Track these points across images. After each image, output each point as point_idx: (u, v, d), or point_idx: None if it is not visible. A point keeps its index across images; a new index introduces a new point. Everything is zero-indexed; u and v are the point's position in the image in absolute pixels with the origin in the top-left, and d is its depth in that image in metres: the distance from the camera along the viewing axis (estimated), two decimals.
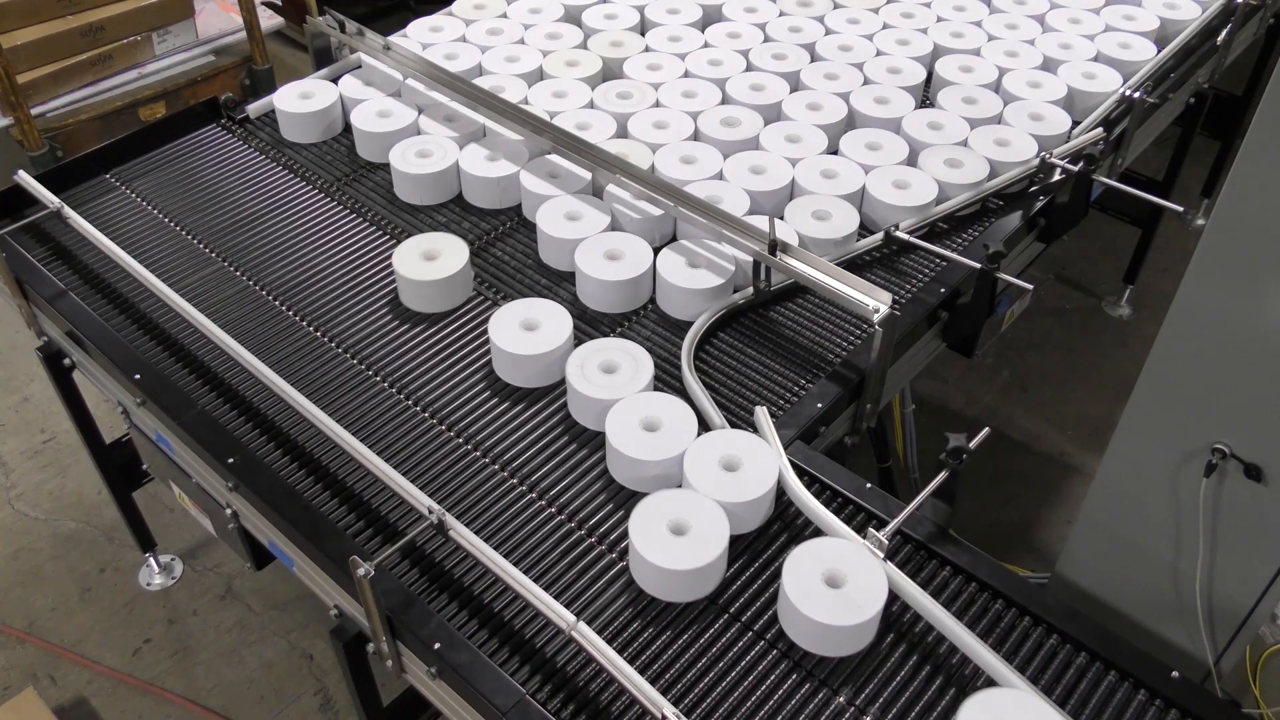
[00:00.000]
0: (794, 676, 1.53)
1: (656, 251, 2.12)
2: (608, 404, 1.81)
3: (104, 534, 3.06)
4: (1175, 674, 1.51)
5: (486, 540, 1.66)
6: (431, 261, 2.10)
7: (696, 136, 2.48)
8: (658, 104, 2.57)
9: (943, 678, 1.53)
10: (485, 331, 2.06)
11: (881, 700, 1.50)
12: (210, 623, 2.83)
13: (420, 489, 1.70)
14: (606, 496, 1.77)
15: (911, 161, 2.41)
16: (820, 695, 1.51)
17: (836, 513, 1.71)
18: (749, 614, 1.60)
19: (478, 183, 2.35)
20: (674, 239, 2.23)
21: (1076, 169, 2.34)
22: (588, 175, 2.30)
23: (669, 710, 1.36)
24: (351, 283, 2.19)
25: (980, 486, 3.19)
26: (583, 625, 1.49)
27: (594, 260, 2.09)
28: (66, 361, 2.34)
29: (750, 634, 1.58)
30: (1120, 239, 3.89)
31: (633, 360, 1.90)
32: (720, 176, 2.33)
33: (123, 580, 2.94)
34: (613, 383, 1.85)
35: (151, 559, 2.93)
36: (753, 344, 2.05)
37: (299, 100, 2.56)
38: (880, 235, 2.23)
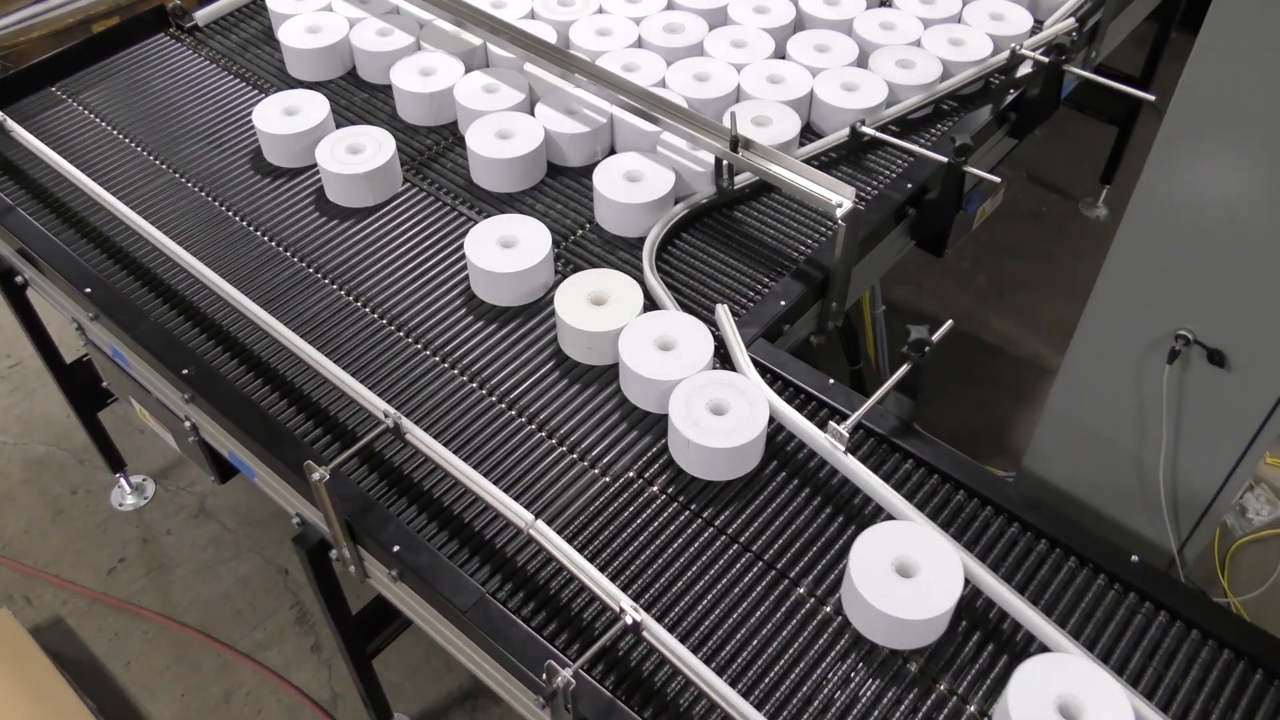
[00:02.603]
0: (755, 569, 1.52)
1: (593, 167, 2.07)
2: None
3: (75, 456, 3.04)
4: (1134, 558, 1.52)
5: (445, 444, 1.64)
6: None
7: (640, 44, 2.40)
8: (600, 10, 2.48)
9: None
10: (420, 226, 2.06)
11: (841, 591, 1.50)
12: (184, 541, 2.83)
13: (378, 395, 1.68)
14: (566, 400, 1.75)
15: (862, 64, 2.34)
16: (781, 586, 1.51)
17: (799, 408, 1.70)
18: (710, 510, 1.59)
19: (410, 99, 2.27)
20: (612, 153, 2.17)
21: (1047, 61, 2.29)
22: (522, 94, 2.22)
23: (626, 603, 1.36)
24: (297, 188, 2.14)
25: (955, 390, 3.19)
26: (541, 524, 1.48)
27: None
28: (19, 279, 2.29)
29: (711, 529, 1.57)
30: (1097, 140, 3.84)
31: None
32: (663, 84, 2.26)
33: (95, 502, 2.93)
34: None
35: (123, 480, 2.91)
36: (716, 244, 2.01)
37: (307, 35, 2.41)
38: (845, 132, 2.19)
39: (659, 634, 1.35)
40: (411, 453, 1.67)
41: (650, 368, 1.68)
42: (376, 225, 2.06)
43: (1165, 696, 1.39)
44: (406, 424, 1.59)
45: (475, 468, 1.59)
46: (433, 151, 2.22)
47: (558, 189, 2.13)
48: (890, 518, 1.56)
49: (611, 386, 1.77)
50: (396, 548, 1.53)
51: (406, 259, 1.99)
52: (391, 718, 2.40)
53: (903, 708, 1.38)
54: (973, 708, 1.38)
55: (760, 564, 1.53)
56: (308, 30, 2.40)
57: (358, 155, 2.07)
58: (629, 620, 1.35)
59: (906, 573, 1.43)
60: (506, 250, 1.88)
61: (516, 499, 1.57)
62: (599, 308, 1.78)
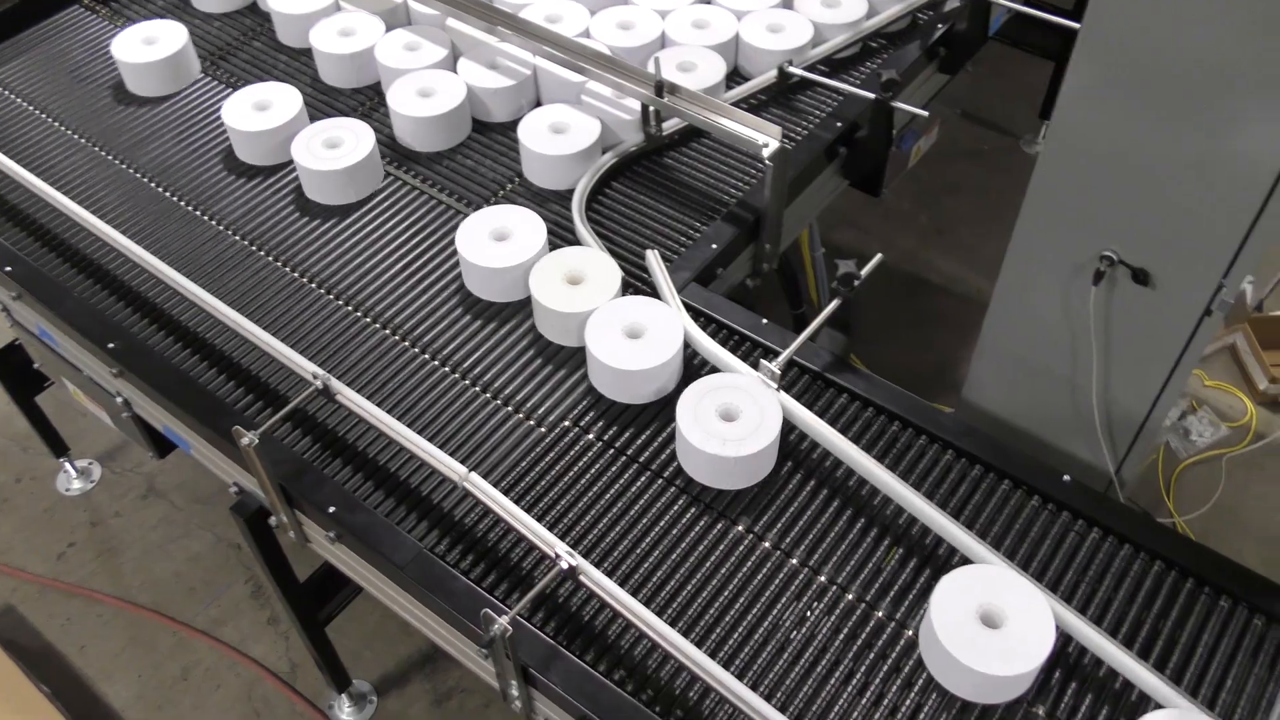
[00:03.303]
0: (692, 510, 1.53)
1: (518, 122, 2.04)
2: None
3: (17, 444, 2.99)
4: (1066, 478, 1.53)
5: (378, 404, 1.63)
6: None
7: None
8: None
9: (839, 500, 1.54)
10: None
11: (778, 527, 1.51)
12: (133, 522, 2.79)
13: (307, 358, 1.66)
14: (499, 354, 1.74)
15: (788, 5, 2.32)
16: (719, 526, 1.51)
17: (734, 350, 1.70)
18: (646, 454, 1.60)
19: (331, 61, 2.22)
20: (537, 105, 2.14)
21: None
22: (444, 51, 2.18)
23: (562, 549, 1.36)
24: (215, 154, 2.10)
25: (901, 331, 3.20)
26: (475, 476, 1.47)
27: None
28: None
29: (648, 472, 1.57)
30: (1035, 76, 3.84)
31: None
32: (587, 35, 2.23)
33: (40, 488, 2.89)
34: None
35: (67, 464, 2.87)
36: (647, 192, 2.00)
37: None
38: (773, 73, 2.17)
39: (596, 578, 1.35)
40: (345, 414, 1.65)
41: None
42: (278, 184, 2.03)
43: (1099, 609, 1.42)
44: (336, 384, 1.58)
45: (410, 426, 1.58)
46: (357, 114, 2.18)
47: (484, 145, 2.11)
48: (814, 445, 1.57)
49: (527, 324, 1.76)
50: (332, 508, 1.52)
51: (329, 222, 1.97)
52: (350, 684, 2.39)
53: (842, 635, 1.40)
54: (894, 622, 1.40)
55: (697, 505, 1.53)
56: None
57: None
58: (564, 565, 1.35)
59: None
60: (500, 243, 1.81)
61: (452, 454, 1.56)
62: (575, 287, 1.73)
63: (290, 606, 2.01)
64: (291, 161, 2.02)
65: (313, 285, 1.85)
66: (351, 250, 1.91)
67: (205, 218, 1.98)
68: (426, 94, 2.07)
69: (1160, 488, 2.80)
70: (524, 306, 1.79)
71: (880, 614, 1.42)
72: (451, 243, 1.89)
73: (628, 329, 1.64)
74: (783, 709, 1.32)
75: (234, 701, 2.44)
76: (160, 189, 2.04)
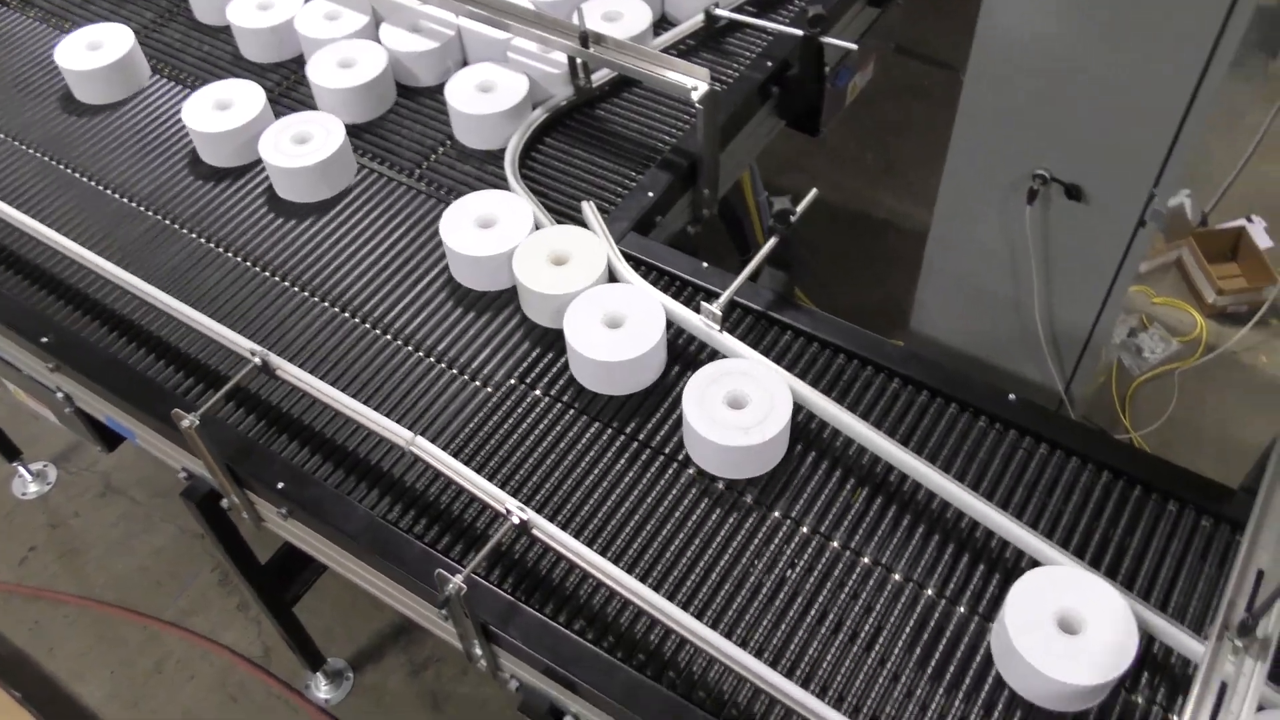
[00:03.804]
0: (642, 457, 1.52)
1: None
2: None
3: None
4: (1011, 397, 1.54)
5: (321, 377, 1.61)
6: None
7: None
8: None
9: (800, 442, 1.54)
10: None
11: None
12: (93, 521, 2.76)
13: (245, 336, 1.63)
14: (442, 316, 1.73)
15: None
16: (670, 470, 1.51)
17: (676, 295, 1.69)
18: (591, 405, 1.59)
19: (250, 36, 2.17)
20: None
21: None
22: (365, 17, 2.12)
23: (512, 504, 1.35)
24: (145, 140, 2.06)
25: (853, 270, 3.21)
26: (421, 439, 1.46)
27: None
28: None
29: (596, 424, 1.57)
30: (972, 7, 3.83)
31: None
32: None
33: None
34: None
35: (21, 468, 2.83)
36: (581, 145, 1.98)
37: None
38: (700, 17, 2.15)
39: (548, 530, 1.35)
40: (288, 390, 1.63)
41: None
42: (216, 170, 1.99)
43: (1050, 522, 1.43)
44: (275, 360, 1.55)
45: (354, 396, 1.56)
46: (281, 88, 2.14)
47: (412, 110, 2.08)
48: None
49: (467, 295, 1.74)
50: (281, 484, 1.51)
51: (273, 204, 1.94)
52: (325, 663, 2.39)
53: (802, 564, 1.40)
54: (881, 566, 1.41)
55: (649, 451, 1.53)
56: None
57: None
58: (516, 520, 1.34)
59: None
60: (485, 231, 1.75)
61: (399, 421, 1.55)
62: (559, 268, 1.67)
63: (254, 589, 2.00)
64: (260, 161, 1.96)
65: (236, 257, 1.83)
66: (285, 229, 1.88)
67: (129, 202, 1.94)
68: (348, 64, 2.03)
69: (1116, 406, 2.84)
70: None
71: (846, 549, 1.42)
72: (384, 215, 1.88)
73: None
74: (744, 645, 1.33)
75: (209, 690, 2.44)
76: (127, 200, 1.98)
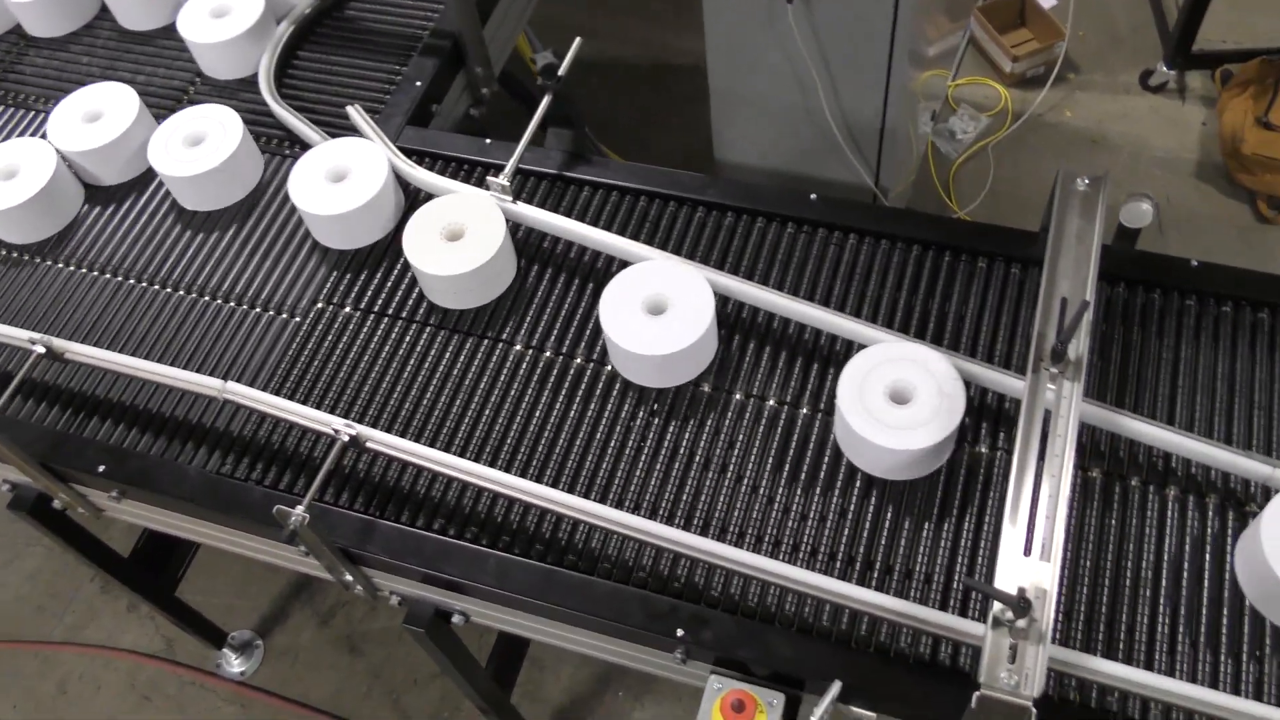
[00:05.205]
0: (453, 340, 1.49)
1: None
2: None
3: None
4: (813, 197, 1.55)
5: (119, 350, 1.52)
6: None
7: None
8: None
9: (578, 281, 1.52)
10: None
11: (524, 329, 1.49)
12: None
13: (20, 328, 1.53)
14: (231, 260, 1.64)
15: None
16: (468, 344, 1.48)
17: (466, 179, 1.64)
18: (394, 304, 1.54)
19: None
20: None
21: None
22: None
23: (338, 424, 1.31)
24: None
25: (661, 119, 3.17)
26: (232, 384, 1.40)
27: None
28: None
29: (414, 324, 1.52)
30: None
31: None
32: None
33: None
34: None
35: None
36: (340, 51, 1.89)
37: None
38: None
39: (380, 439, 1.32)
40: (88, 372, 1.54)
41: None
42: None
43: (871, 306, 1.45)
44: (58, 343, 1.46)
45: (157, 361, 1.49)
46: (7, 61, 1.98)
47: (145, 55, 1.94)
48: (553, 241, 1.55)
49: (249, 224, 1.66)
50: (102, 467, 1.44)
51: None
52: (229, 637, 2.34)
53: (645, 412, 1.40)
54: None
55: (458, 335, 1.50)
56: None
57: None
58: (345, 437, 1.30)
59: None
60: (338, 184, 1.59)
61: (211, 373, 1.48)
62: (455, 243, 1.50)
63: (125, 583, 1.93)
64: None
65: (26, 258, 1.71)
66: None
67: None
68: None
69: (939, 191, 2.89)
70: (240, 210, 1.69)
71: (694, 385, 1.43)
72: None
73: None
74: (619, 505, 1.33)
75: (119, 696, 2.37)
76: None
